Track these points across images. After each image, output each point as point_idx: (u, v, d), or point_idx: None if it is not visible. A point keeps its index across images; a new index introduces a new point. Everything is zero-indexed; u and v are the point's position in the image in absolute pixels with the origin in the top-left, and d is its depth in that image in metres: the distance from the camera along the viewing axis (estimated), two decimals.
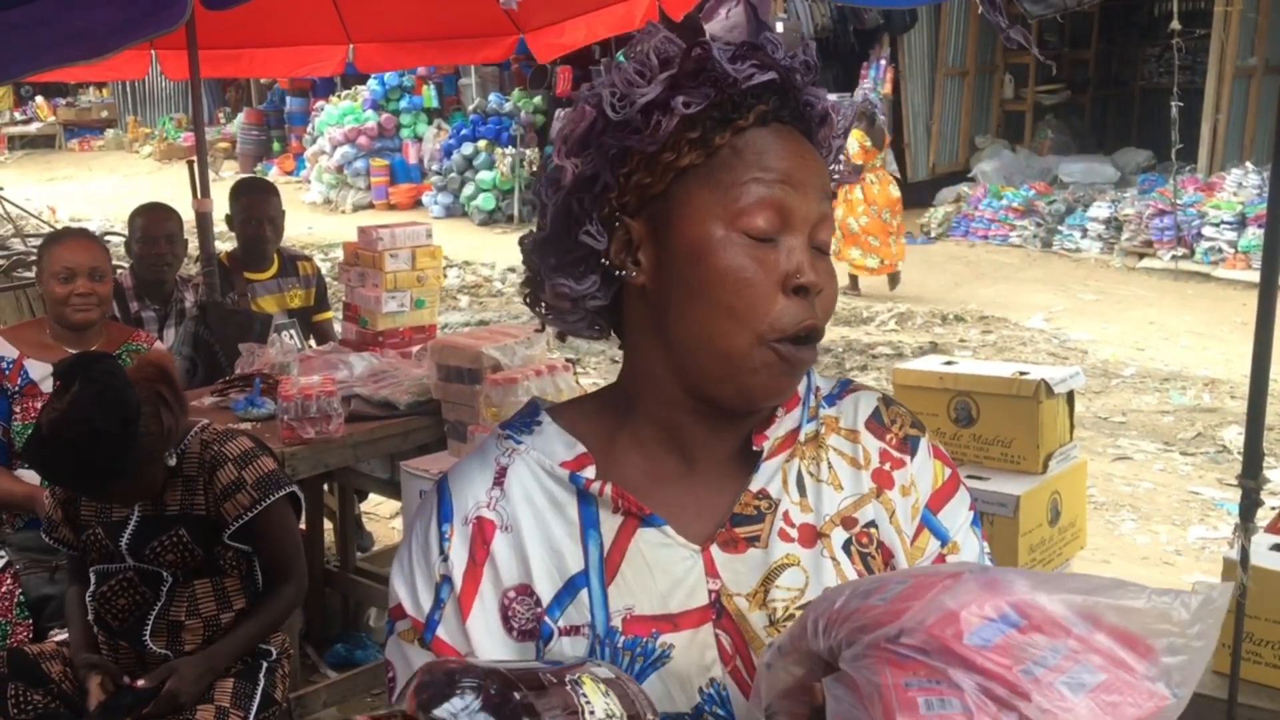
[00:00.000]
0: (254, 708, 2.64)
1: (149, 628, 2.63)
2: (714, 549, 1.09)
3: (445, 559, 1.12)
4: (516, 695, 0.86)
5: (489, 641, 1.10)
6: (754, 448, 1.12)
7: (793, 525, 1.11)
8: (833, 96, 1.11)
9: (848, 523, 1.13)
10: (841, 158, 1.14)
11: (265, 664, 2.73)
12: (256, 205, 4.60)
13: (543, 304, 1.15)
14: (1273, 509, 3.03)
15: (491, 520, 1.12)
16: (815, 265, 1.06)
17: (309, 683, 3.66)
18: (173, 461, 2.60)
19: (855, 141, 9.50)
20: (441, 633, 1.11)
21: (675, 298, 1.07)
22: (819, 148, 1.10)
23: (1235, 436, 6.20)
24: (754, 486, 1.12)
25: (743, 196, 1.04)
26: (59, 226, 10.30)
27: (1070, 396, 3.24)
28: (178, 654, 2.61)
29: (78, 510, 2.67)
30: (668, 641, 1.07)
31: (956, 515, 1.18)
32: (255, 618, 2.69)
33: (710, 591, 1.08)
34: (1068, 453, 3.20)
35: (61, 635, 2.84)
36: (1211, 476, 5.90)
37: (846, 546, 1.12)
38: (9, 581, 3.18)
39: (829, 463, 1.15)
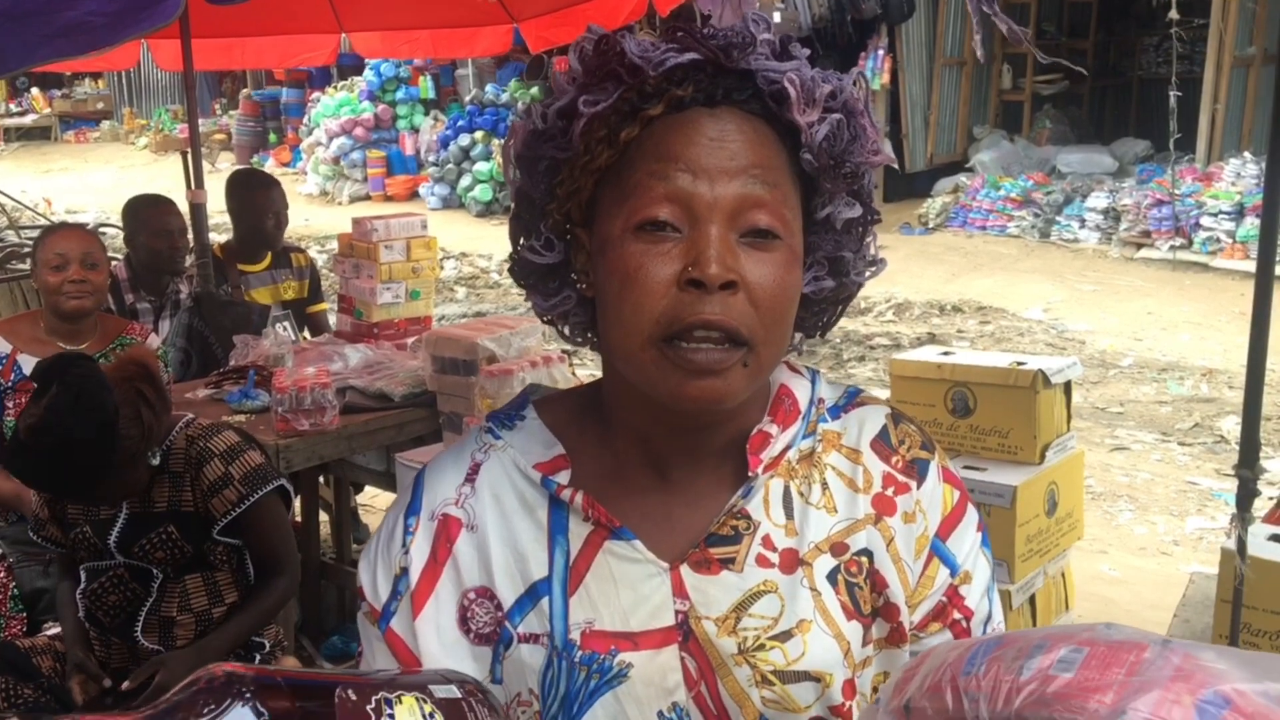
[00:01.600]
0: None
1: (140, 624, 2.62)
2: (684, 569, 1.05)
3: (406, 552, 1.10)
4: (291, 708, 0.83)
5: (436, 642, 1.08)
6: (749, 473, 1.06)
7: (773, 549, 1.06)
8: (808, 69, 1.01)
9: (837, 549, 1.07)
10: (860, 133, 1.03)
11: (258, 656, 2.72)
12: (261, 199, 4.58)
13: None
14: (1270, 499, 3.02)
15: (458, 518, 1.10)
16: (727, 256, 0.96)
17: None
18: (156, 461, 2.57)
19: None
20: (395, 625, 1.10)
21: (600, 304, 1.03)
22: (786, 126, 1.01)
23: (1233, 426, 6.19)
24: (733, 505, 1.07)
25: (636, 190, 0.98)
26: (54, 219, 10.28)
27: (1067, 387, 3.23)
28: (170, 649, 2.60)
29: (65, 508, 2.65)
30: (626, 660, 1.04)
31: (964, 540, 1.12)
32: (247, 611, 2.67)
33: (678, 613, 1.04)
34: (1065, 443, 3.19)
35: (54, 629, 2.83)
36: (1209, 466, 5.90)
37: (832, 575, 1.07)
38: (2, 575, 3.16)
39: (824, 483, 1.09)
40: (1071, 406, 3.26)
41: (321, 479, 4.21)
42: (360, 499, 5.03)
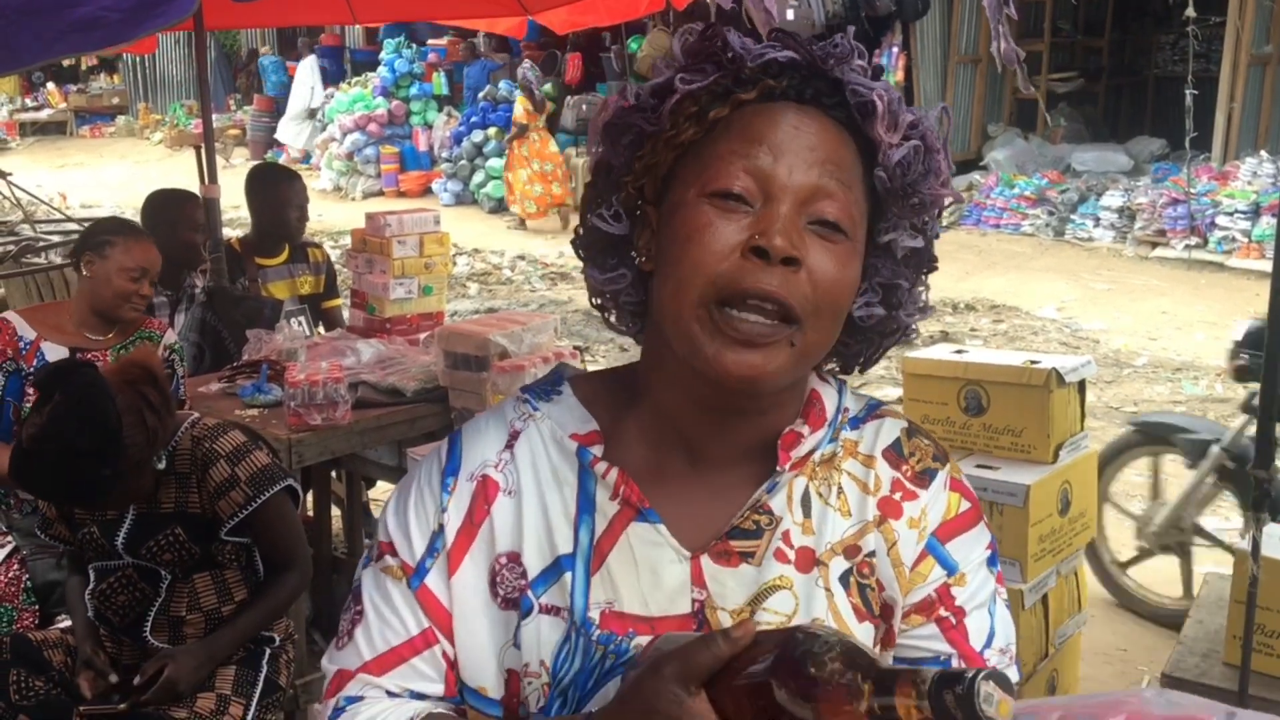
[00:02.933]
0: (256, 695, 2.63)
1: (149, 623, 2.62)
2: (705, 558, 1.07)
3: (443, 510, 1.11)
4: None
5: (472, 601, 1.09)
6: (778, 467, 1.08)
7: (791, 546, 1.08)
8: (897, 94, 1.05)
9: (850, 551, 1.09)
10: (934, 168, 1.06)
11: (268, 651, 2.72)
12: (285, 193, 4.58)
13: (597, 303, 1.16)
14: None
15: (497, 481, 1.11)
16: (795, 236, 0.99)
17: (316, 669, 3.65)
18: (162, 464, 2.57)
19: (520, 106, 12.80)
20: (430, 581, 1.10)
21: (658, 271, 1.05)
22: (865, 140, 1.04)
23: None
24: (757, 500, 1.08)
25: (716, 162, 1.02)
26: (67, 213, 10.31)
27: (1081, 386, 3.22)
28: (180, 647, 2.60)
29: (71, 509, 2.65)
30: (642, 644, 1.04)
31: (970, 550, 1.12)
32: (257, 606, 2.67)
33: (694, 601, 1.06)
34: (1078, 442, 3.18)
35: (66, 622, 2.84)
36: None
37: (845, 577, 1.09)
38: (15, 567, 3.18)
39: (840, 487, 1.11)
40: (1085, 406, 3.25)
41: (334, 474, 4.21)
42: (372, 494, 5.04)
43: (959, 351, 3.39)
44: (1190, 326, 8.69)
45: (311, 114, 17.24)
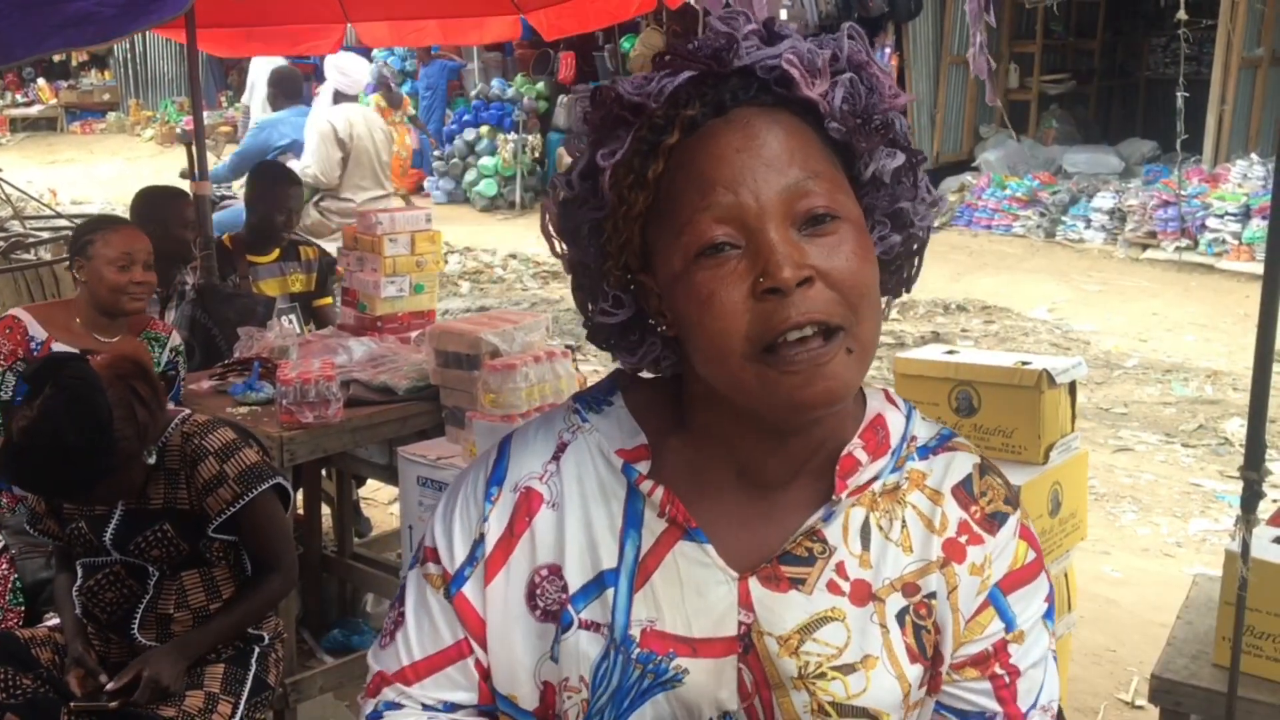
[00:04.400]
0: (245, 693, 2.63)
1: (137, 621, 2.61)
2: (753, 580, 1.04)
3: (485, 519, 1.09)
4: None
5: (504, 612, 1.08)
6: (834, 495, 1.04)
7: (845, 578, 1.04)
8: (803, 43, 0.99)
9: (909, 589, 1.05)
10: (876, 83, 1.01)
11: (257, 649, 2.72)
12: (279, 192, 4.58)
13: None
14: (1275, 501, 3.01)
15: (540, 494, 1.09)
16: (794, 254, 0.94)
17: (305, 668, 3.64)
18: (152, 459, 2.56)
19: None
20: (468, 590, 1.09)
21: (685, 339, 1.02)
22: (803, 105, 0.99)
23: (1237, 428, 6.18)
24: (811, 527, 1.04)
25: (686, 222, 0.97)
26: (57, 210, 10.27)
27: (1072, 387, 3.22)
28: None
29: (60, 504, 2.64)
30: (683, 666, 1.02)
31: (1030, 603, 1.09)
32: (239, 606, 2.65)
33: (741, 624, 1.03)
34: (1069, 443, 3.18)
35: (55, 620, 2.83)
36: (1213, 468, 5.88)
37: (901, 615, 1.05)
38: (4, 566, 3.16)
39: (904, 521, 1.07)
40: (1076, 407, 3.25)
41: (325, 472, 4.21)
42: (362, 492, 5.03)
43: (950, 352, 3.39)
44: (1181, 328, 8.71)
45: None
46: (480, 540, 1.09)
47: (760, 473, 1.06)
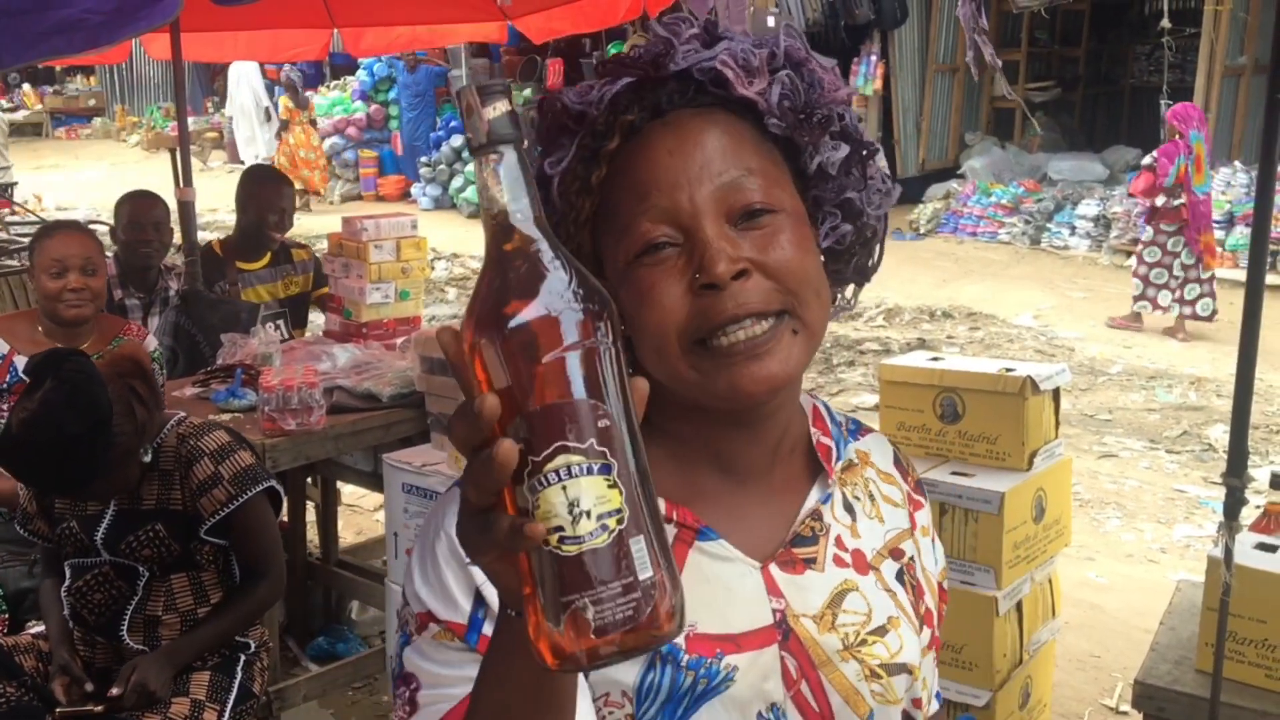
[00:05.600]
0: (230, 701, 2.62)
1: (125, 623, 2.60)
2: (773, 567, 1.05)
3: (479, 581, 0.99)
4: None
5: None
6: (829, 480, 1.10)
7: (845, 550, 1.09)
8: (740, 42, 1.01)
9: (895, 554, 1.13)
10: (815, 80, 1.02)
11: (243, 657, 2.71)
12: (268, 194, 4.56)
13: None
14: (1257, 508, 3.02)
15: None
16: (728, 249, 0.96)
17: (290, 676, 3.63)
18: (148, 458, 2.56)
19: (283, 104, 15.00)
20: (488, 630, 0.96)
21: (631, 338, 1.02)
22: (742, 104, 1.00)
23: (1221, 434, 6.20)
24: (813, 507, 1.09)
25: (626, 225, 0.99)
26: (42, 215, 10.23)
27: (1056, 393, 3.22)
28: (155, 649, 2.58)
29: (52, 503, 2.63)
30: (732, 663, 1.01)
31: (937, 543, 1.22)
32: (227, 613, 2.65)
33: (775, 611, 1.04)
34: (1053, 450, 3.19)
35: (38, 628, 2.81)
36: (1197, 474, 5.91)
37: (899, 576, 1.12)
38: None
39: (871, 495, 1.14)
40: (1060, 413, 3.26)
41: (309, 479, 4.19)
42: (346, 499, 5.02)
43: (935, 359, 3.39)
44: (1164, 336, 8.74)
45: (268, 115, 17.03)
46: (480, 597, 0.98)
47: (739, 463, 1.07)
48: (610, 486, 0.70)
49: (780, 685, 1.03)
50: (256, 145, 16.94)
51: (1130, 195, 9.16)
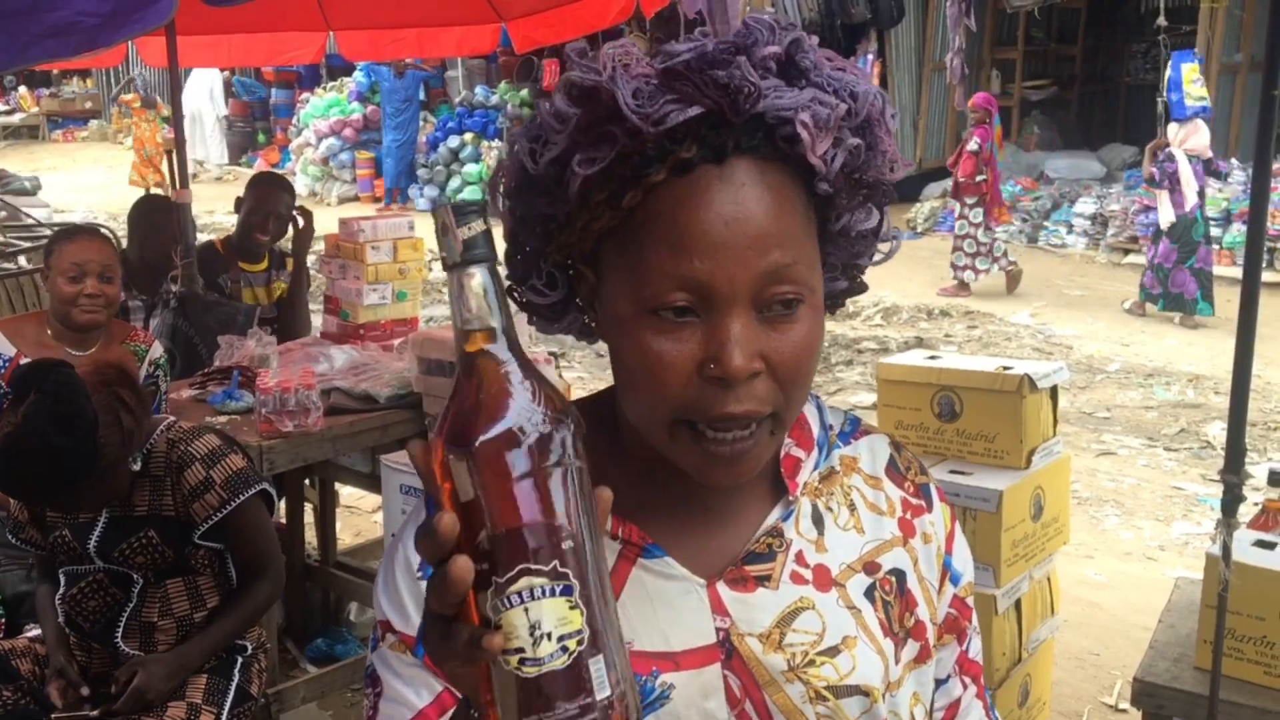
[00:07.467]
0: (228, 703, 2.61)
1: (121, 629, 2.59)
2: (720, 585, 1.02)
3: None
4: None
5: None
6: (789, 496, 1.05)
7: (806, 566, 1.04)
8: (823, 95, 0.91)
9: (870, 568, 1.07)
10: (877, 145, 0.94)
11: (240, 659, 2.70)
12: (265, 196, 4.57)
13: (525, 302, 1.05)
14: (1255, 505, 3.02)
15: None
16: (750, 344, 0.90)
17: (288, 677, 3.63)
18: (137, 466, 2.55)
19: (132, 101, 15.82)
20: None
21: (613, 360, 0.99)
22: (798, 169, 0.92)
23: (1219, 432, 6.21)
24: (773, 525, 1.04)
25: (650, 274, 0.90)
26: (38, 217, 10.20)
27: (1054, 391, 3.23)
28: (151, 655, 2.58)
29: (44, 511, 2.62)
30: (668, 681, 1.00)
31: (962, 552, 1.14)
32: (230, 615, 2.65)
33: (718, 630, 1.02)
34: (1051, 448, 3.19)
35: (35, 632, 2.81)
36: (1195, 472, 5.91)
37: (869, 592, 1.06)
38: None
39: (851, 505, 1.08)
40: (1058, 411, 3.26)
41: (307, 481, 4.19)
42: (344, 501, 5.01)
43: (933, 357, 3.39)
44: (1162, 333, 8.76)
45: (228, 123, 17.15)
46: None
47: (701, 483, 1.03)
48: (572, 608, 0.72)
49: (724, 705, 1.01)
50: (208, 148, 17.21)
51: (955, 175, 10.14)
